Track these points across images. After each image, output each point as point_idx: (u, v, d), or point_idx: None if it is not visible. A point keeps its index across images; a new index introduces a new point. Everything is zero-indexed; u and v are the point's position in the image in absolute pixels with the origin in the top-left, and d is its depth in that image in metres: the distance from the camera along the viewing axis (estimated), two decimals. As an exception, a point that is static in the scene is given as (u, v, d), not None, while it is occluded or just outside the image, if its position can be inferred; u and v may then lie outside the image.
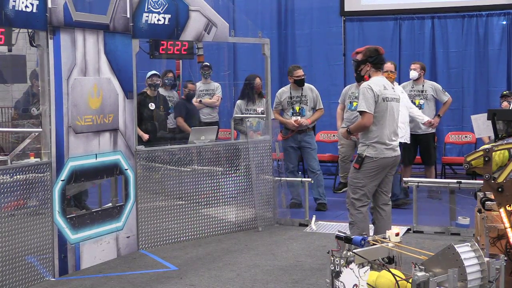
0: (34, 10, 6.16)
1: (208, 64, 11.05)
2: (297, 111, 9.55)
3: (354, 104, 10.52)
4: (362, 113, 6.55)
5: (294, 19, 13.58)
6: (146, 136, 9.28)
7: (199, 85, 11.31)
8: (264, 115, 9.00)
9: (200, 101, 11.11)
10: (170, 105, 10.48)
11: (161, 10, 7.48)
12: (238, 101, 10.10)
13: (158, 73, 9.92)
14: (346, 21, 13.26)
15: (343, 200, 10.26)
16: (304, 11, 13.47)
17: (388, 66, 9.46)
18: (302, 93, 9.61)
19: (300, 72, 9.59)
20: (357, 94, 10.63)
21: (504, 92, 10.73)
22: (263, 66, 8.84)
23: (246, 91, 10.09)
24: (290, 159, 9.69)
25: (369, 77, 6.73)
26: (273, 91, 9.22)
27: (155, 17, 7.44)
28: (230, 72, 13.44)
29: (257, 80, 10.07)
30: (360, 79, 6.89)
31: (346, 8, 13.21)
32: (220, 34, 8.07)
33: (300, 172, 10.33)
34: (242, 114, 9.83)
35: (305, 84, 9.67)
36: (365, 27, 13.18)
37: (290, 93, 9.64)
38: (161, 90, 10.34)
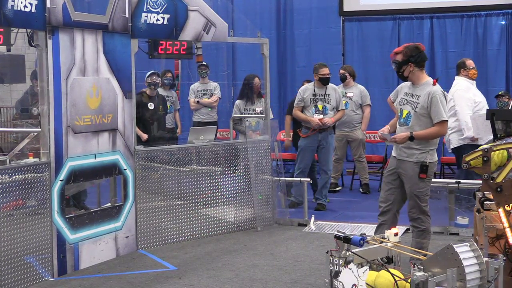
0: (33, 10, 6.15)
1: (205, 63, 11.00)
2: (320, 109, 9.41)
3: (343, 102, 10.52)
4: (442, 122, 6.20)
5: (293, 19, 13.61)
6: (145, 136, 9.29)
7: (197, 85, 11.31)
8: (263, 115, 9.00)
9: (198, 101, 11.11)
10: (168, 105, 10.49)
11: (160, 10, 7.47)
12: (237, 101, 10.09)
13: (158, 72, 9.93)
14: (345, 21, 13.29)
15: (341, 200, 10.32)
16: (303, 11, 13.50)
17: (472, 63, 9.39)
18: (326, 92, 9.43)
19: (325, 70, 9.42)
20: (344, 93, 10.66)
21: (500, 92, 10.74)
22: (262, 66, 8.82)
23: (245, 91, 10.07)
24: (304, 159, 9.56)
25: (406, 77, 6.35)
26: (272, 91, 9.20)
27: (154, 17, 7.44)
28: (229, 72, 13.46)
29: (256, 80, 10.05)
30: (404, 79, 6.42)
31: (345, 8, 13.24)
32: (219, 34, 8.06)
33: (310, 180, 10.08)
34: (241, 114, 9.81)
35: (329, 83, 9.57)
36: (364, 27, 13.21)
37: (314, 91, 9.46)
38: (160, 90, 10.35)
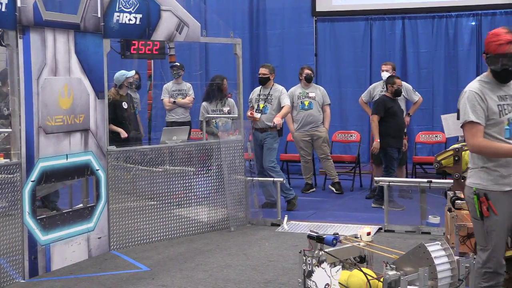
0: (3, 9, 6.08)
1: (177, 63, 10.93)
2: (261, 108, 9.56)
3: (306, 103, 10.53)
4: None
5: (266, 19, 13.61)
6: (124, 133, 9.06)
7: (171, 85, 11.26)
8: (236, 115, 9.00)
9: (174, 101, 11.06)
10: (135, 106, 10.44)
11: (132, 9, 7.44)
12: (203, 103, 9.98)
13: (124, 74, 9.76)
14: (317, 21, 13.30)
15: (314, 200, 10.35)
16: (275, 11, 13.50)
17: None
18: (269, 92, 9.64)
19: (262, 70, 9.68)
20: (306, 94, 10.70)
21: None
22: (235, 66, 8.83)
23: (210, 92, 10.05)
24: (257, 159, 9.68)
25: None
26: (244, 91, 9.20)
27: (126, 16, 7.40)
28: (202, 72, 13.41)
29: (220, 80, 10.02)
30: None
31: (318, 9, 13.25)
32: (192, 34, 8.05)
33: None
34: (208, 115, 9.76)
35: (276, 85, 9.71)
36: (337, 27, 13.23)
37: (260, 91, 9.73)
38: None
